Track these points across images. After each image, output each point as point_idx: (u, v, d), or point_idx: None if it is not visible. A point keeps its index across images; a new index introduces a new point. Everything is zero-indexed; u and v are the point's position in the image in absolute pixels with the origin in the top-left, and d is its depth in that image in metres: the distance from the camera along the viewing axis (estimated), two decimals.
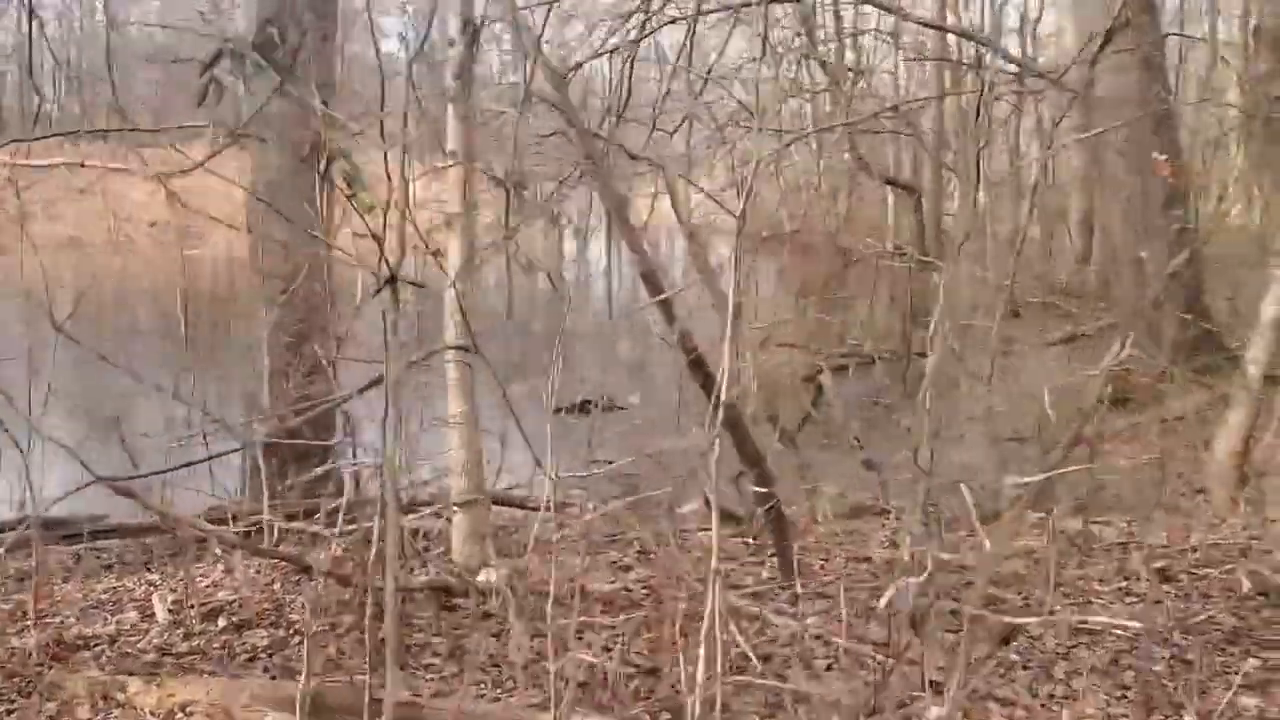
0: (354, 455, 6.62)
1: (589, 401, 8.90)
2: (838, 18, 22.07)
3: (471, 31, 5.65)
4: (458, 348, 5.47)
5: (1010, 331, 15.99)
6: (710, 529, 3.62)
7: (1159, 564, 5.68)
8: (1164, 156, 10.96)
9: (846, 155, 24.04)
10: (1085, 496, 7.38)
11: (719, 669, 3.47)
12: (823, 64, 21.41)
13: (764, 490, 5.40)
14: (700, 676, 3.45)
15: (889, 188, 24.99)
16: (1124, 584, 5.48)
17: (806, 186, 26.90)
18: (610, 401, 9.48)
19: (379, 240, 3.94)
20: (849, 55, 23.74)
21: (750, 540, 6.06)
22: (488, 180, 6.63)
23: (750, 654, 4.41)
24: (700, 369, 5.31)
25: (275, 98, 6.06)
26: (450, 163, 5.70)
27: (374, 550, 6.02)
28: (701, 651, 3.43)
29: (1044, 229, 22.62)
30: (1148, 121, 10.78)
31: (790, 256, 27.19)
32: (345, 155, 6.01)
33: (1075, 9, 13.24)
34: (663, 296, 5.20)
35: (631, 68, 12.05)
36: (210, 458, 6.71)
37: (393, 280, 3.81)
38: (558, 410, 8.55)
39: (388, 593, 3.99)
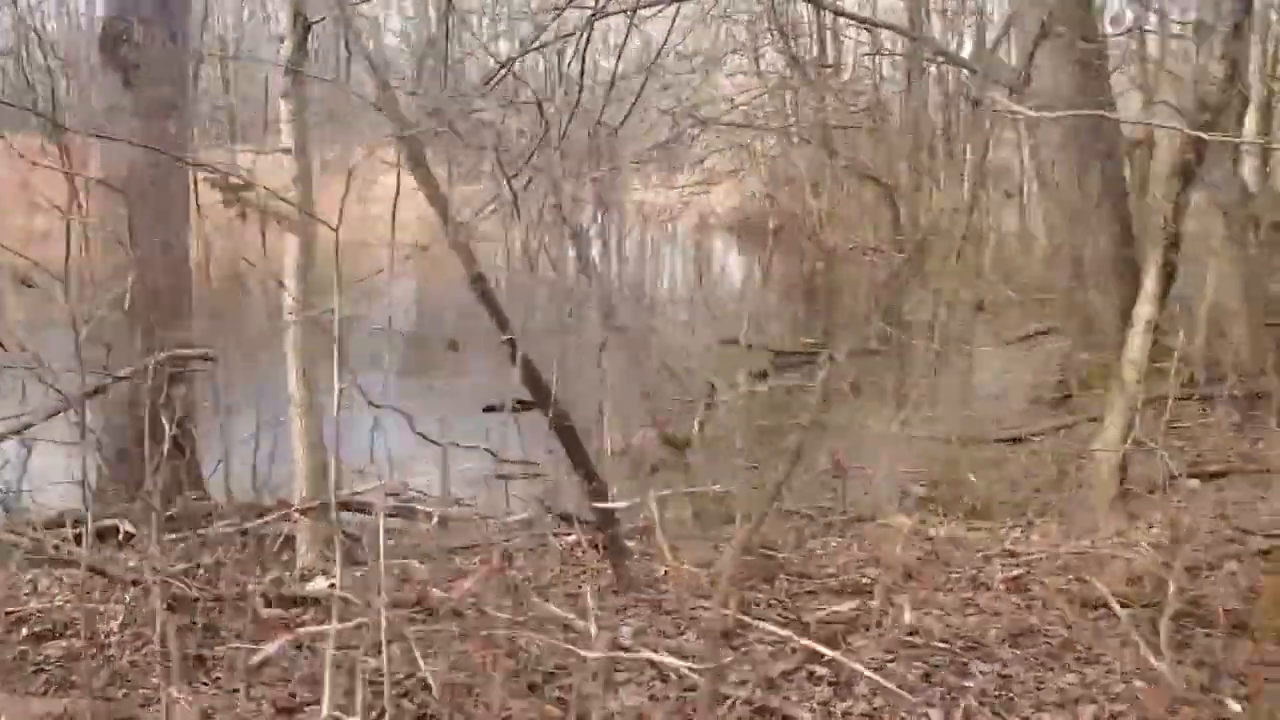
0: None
1: (523, 401, 8.78)
2: (818, 11, 21.88)
3: (303, 27, 5.51)
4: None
5: (974, 328, 15.84)
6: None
7: (1015, 573, 5.51)
8: None
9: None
10: (970, 500, 7.25)
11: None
12: (794, 58, 21.13)
13: (599, 498, 5.26)
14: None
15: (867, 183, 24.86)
16: (971, 594, 5.29)
17: (785, 180, 26.81)
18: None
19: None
20: (826, 49, 23.56)
21: (601, 549, 5.90)
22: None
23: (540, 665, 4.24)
24: (530, 372, 5.18)
25: (124, 93, 5.94)
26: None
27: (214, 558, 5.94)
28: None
29: (1021, 225, 22.43)
30: (1085, 119, 10.57)
31: (770, 250, 27.15)
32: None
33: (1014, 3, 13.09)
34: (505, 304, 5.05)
35: (583, 61, 11.92)
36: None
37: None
38: (489, 409, 8.46)
39: (156, 606, 3.87)
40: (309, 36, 5.58)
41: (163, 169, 6.38)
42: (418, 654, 4.12)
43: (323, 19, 5.40)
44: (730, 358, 14.05)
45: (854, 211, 25.41)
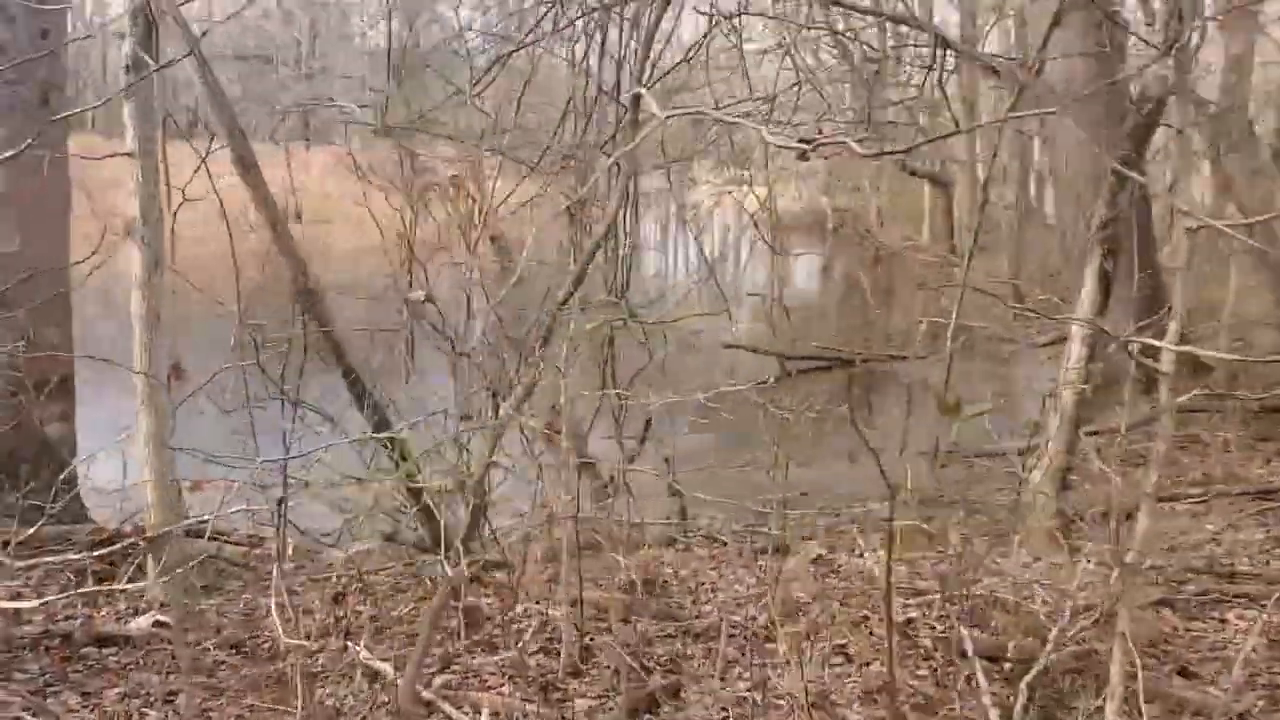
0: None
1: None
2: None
3: (144, 24, 5.18)
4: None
5: (1011, 332, 15.08)
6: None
7: (911, 615, 4.97)
8: None
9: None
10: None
11: None
12: (844, 51, 20.57)
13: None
14: None
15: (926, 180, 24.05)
16: (848, 639, 4.76)
17: (842, 178, 26.09)
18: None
19: None
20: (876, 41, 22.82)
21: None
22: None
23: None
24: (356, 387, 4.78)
25: None
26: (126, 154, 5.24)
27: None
28: None
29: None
30: (1097, 112, 9.85)
31: (831, 249, 26.45)
32: None
33: None
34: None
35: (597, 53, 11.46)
36: None
37: None
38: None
39: None
40: (154, 32, 5.24)
41: (40, 163, 6.10)
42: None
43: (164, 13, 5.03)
44: (738, 363, 13.55)
45: (911, 209, 24.69)
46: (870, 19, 18.23)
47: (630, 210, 5.86)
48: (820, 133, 5.88)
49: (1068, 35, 10.34)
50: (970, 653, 4.18)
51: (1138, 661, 3.45)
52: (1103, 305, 5.82)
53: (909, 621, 4.90)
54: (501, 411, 3.52)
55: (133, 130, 5.24)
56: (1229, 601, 5.08)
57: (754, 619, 4.94)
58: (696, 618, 4.98)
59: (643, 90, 5.36)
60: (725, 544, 6.21)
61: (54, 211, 6.37)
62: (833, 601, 5.18)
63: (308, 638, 4.67)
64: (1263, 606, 4.96)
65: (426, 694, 4.10)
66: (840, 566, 5.76)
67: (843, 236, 25.78)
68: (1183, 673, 4.36)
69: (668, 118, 4.03)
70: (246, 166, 5.04)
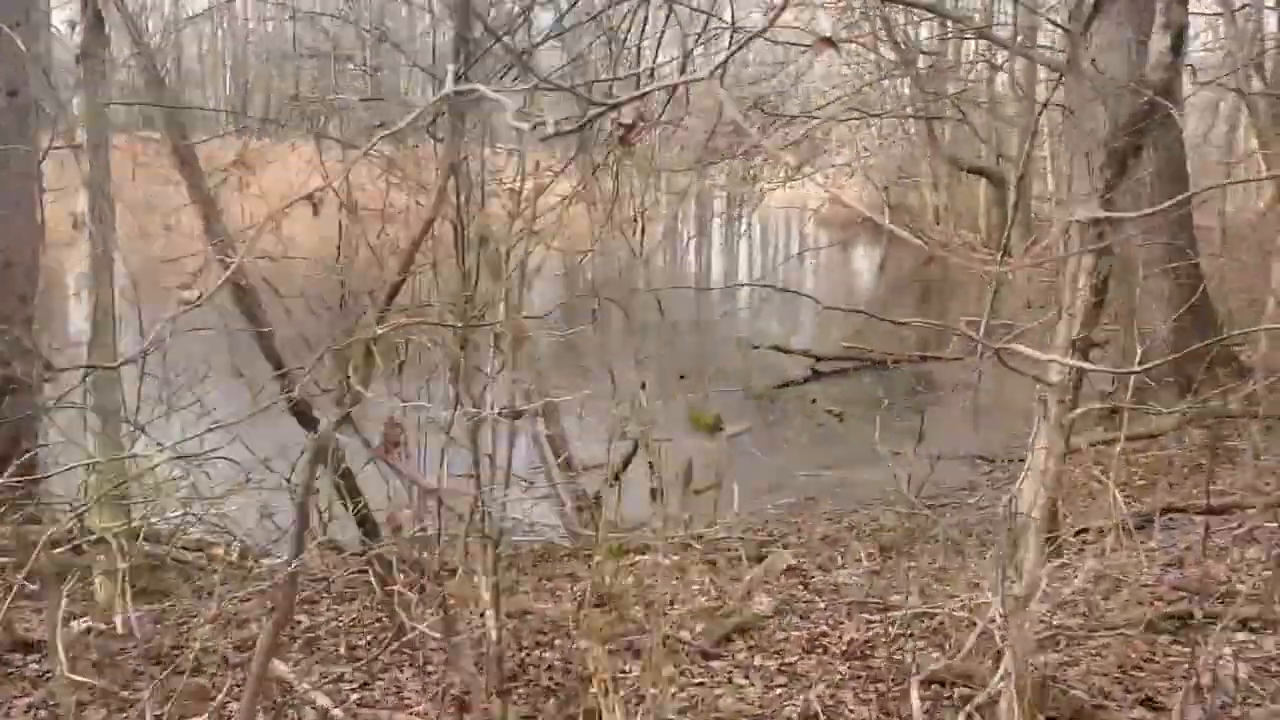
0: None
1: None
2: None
3: (94, 12, 5.06)
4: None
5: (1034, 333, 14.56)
6: None
7: (868, 635, 4.71)
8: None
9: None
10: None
11: None
12: (896, 45, 20.18)
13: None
14: None
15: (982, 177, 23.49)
16: (799, 658, 4.51)
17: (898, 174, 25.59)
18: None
19: None
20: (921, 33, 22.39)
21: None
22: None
23: None
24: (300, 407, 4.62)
25: None
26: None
27: None
28: None
29: None
30: (1135, 104, 9.42)
31: (888, 248, 25.96)
32: None
33: None
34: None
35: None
36: None
37: None
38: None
39: None
40: (104, 22, 5.12)
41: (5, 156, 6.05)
42: None
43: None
44: (768, 363, 13.29)
45: (968, 206, 24.17)
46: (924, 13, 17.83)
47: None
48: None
49: (1108, 25, 9.92)
50: (913, 677, 3.92)
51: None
52: (1095, 307, 5.46)
53: (866, 641, 4.64)
54: (323, 423, 3.31)
55: (81, 123, 5.13)
56: (1213, 623, 4.72)
57: (704, 633, 4.72)
58: (643, 632, 4.74)
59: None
60: (699, 550, 5.97)
61: (22, 206, 6.30)
62: (792, 616, 4.95)
63: (236, 649, 4.55)
64: (1252, 629, 4.65)
65: (336, 711, 3.93)
66: (812, 578, 5.51)
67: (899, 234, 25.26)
68: (1147, 703, 4.05)
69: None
70: (183, 160, 4.92)
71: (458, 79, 2.81)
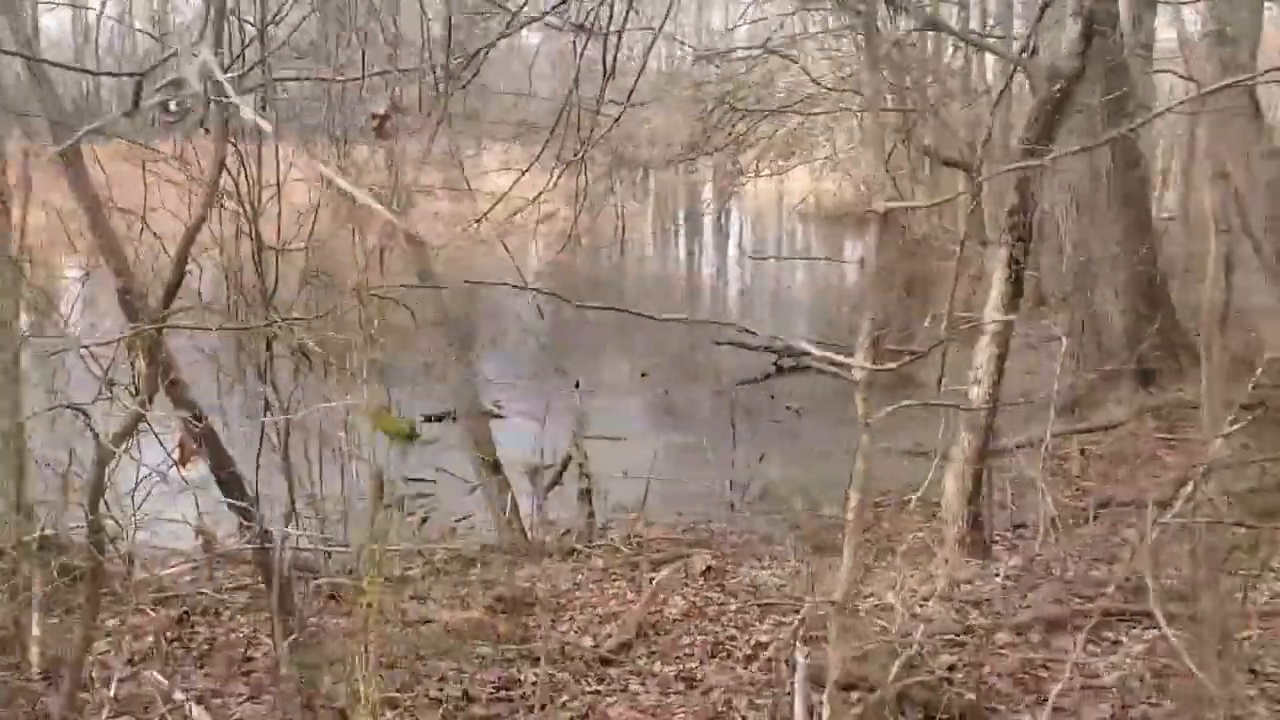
0: None
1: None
2: None
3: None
4: None
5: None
6: None
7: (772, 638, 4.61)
8: None
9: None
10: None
11: None
12: (869, 30, 19.93)
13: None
14: None
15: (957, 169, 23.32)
16: (700, 663, 4.40)
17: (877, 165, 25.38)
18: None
19: None
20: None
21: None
22: None
23: None
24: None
25: None
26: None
27: None
28: None
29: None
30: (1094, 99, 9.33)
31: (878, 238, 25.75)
32: None
33: None
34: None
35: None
36: None
37: None
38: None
39: None
40: None
41: None
42: None
43: None
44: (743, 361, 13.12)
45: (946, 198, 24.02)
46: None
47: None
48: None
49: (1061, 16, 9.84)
50: (798, 680, 3.81)
51: None
52: (1013, 298, 5.37)
53: (766, 644, 4.53)
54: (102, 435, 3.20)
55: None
56: (1129, 621, 4.63)
57: (607, 638, 4.62)
58: (543, 639, 4.65)
59: None
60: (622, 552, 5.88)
61: None
62: (702, 619, 4.85)
63: (129, 663, 4.45)
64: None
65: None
66: (729, 579, 5.41)
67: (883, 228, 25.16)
68: (1044, 703, 3.94)
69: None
70: (69, 161, 4.81)
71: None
